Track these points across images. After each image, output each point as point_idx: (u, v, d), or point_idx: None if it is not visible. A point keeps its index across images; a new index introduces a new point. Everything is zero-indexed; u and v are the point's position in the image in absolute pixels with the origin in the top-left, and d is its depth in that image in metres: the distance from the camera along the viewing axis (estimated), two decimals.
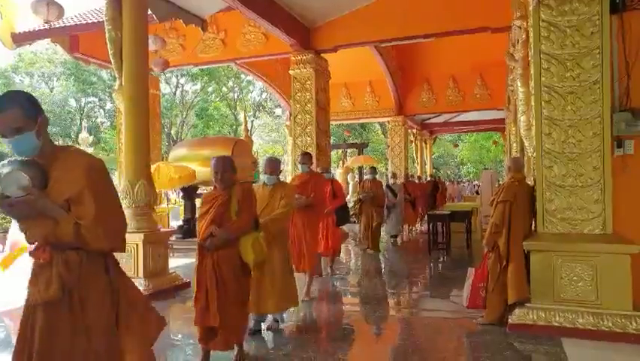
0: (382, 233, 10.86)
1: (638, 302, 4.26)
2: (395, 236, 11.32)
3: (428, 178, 20.03)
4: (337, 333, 4.86)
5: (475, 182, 31.48)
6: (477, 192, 20.96)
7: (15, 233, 7.25)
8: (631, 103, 4.57)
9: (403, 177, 14.64)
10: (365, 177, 10.71)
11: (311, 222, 5.88)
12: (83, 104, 37.11)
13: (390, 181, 11.99)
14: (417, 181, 15.76)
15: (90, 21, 9.45)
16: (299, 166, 6.20)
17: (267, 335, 4.66)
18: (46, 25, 7.60)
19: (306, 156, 6.23)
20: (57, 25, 9.15)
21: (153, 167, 7.55)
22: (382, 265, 8.75)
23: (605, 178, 4.48)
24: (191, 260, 4.48)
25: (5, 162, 2.05)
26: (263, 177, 4.75)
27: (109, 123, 36.84)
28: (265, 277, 4.40)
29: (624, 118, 4.50)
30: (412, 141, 22.16)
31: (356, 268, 8.52)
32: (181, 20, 8.19)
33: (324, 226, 7.04)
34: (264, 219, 4.29)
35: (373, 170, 10.52)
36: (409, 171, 19.07)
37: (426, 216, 15.16)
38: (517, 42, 5.69)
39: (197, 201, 13.80)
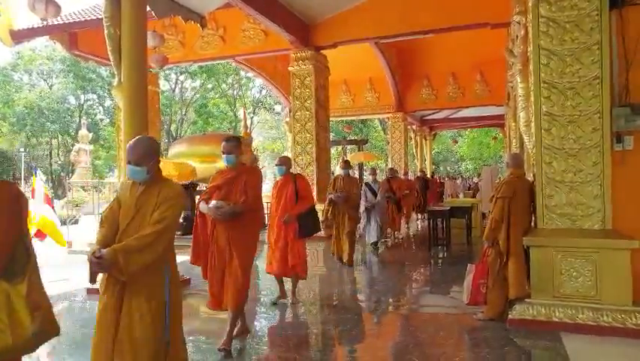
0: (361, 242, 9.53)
1: (637, 297, 4.27)
2: (376, 243, 9.44)
3: (418, 174, 18.43)
4: (338, 328, 4.88)
5: (474, 179, 31.31)
6: (469, 189, 20.79)
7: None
8: (630, 98, 4.57)
9: (387, 173, 12.38)
10: (338, 172, 8.77)
11: (242, 238, 4.03)
12: (82, 101, 37.07)
13: (369, 178, 9.88)
14: (403, 177, 13.83)
15: (89, 18, 9.44)
16: (223, 158, 4.17)
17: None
18: (43, 22, 7.60)
19: (230, 143, 4.12)
20: (56, 23, 9.15)
21: None
22: (357, 285, 7.04)
23: (605, 174, 4.49)
24: (188, 258, 4.36)
25: None
26: (127, 171, 2.76)
27: (108, 120, 36.87)
28: (123, 346, 2.53)
29: (623, 113, 4.50)
30: (411, 138, 22.18)
31: (320, 290, 6.55)
32: (180, 17, 8.17)
33: (281, 239, 5.37)
34: (110, 249, 2.50)
35: (347, 164, 8.57)
36: (408, 166, 19.03)
37: (412, 217, 14.04)
38: (517, 38, 5.68)
39: (197, 198, 13.81)
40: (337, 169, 19.80)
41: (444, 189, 19.30)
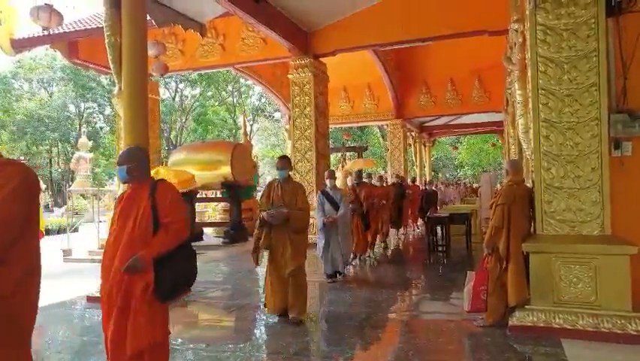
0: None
1: (637, 303, 4.27)
2: (334, 276, 6.99)
3: (393, 179, 14.23)
4: (338, 335, 4.87)
5: (473, 184, 30.97)
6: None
7: None
8: (628, 105, 4.60)
9: (353, 178, 9.35)
10: (278, 176, 5.28)
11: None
12: (82, 110, 37.17)
13: (328, 184, 7.11)
14: (377, 183, 10.82)
15: (89, 27, 9.50)
16: None
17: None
18: (45, 31, 7.65)
19: None
20: (57, 31, 9.21)
21: (153, 171, 7.54)
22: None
23: (603, 180, 4.50)
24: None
25: None
26: None
27: (108, 128, 36.95)
28: None
29: (621, 120, 4.53)
30: (410, 144, 22.20)
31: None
32: (180, 25, 8.23)
33: (118, 300, 2.88)
34: None
35: (283, 163, 5.14)
36: (406, 172, 18.96)
37: (384, 234, 10.58)
38: (515, 45, 5.72)
39: (197, 205, 13.82)
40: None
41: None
